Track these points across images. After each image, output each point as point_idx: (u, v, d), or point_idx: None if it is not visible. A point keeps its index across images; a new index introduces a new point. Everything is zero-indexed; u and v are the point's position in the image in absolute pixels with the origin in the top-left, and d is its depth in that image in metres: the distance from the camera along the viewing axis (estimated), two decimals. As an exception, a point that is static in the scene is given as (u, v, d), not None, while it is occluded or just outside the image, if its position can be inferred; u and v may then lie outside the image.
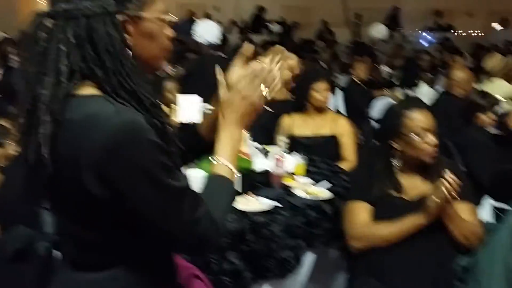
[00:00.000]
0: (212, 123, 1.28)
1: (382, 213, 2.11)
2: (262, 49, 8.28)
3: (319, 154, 3.19)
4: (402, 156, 2.15)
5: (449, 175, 1.92)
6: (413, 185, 2.15)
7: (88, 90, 1.01)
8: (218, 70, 1.27)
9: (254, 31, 13.83)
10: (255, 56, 1.26)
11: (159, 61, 1.15)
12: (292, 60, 3.60)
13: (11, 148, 2.51)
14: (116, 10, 1.02)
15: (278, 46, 1.26)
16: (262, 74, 1.18)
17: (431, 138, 2.09)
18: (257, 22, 14.59)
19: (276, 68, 1.20)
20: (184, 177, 1.08)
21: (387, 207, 2.11)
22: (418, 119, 2.10)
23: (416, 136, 2.08)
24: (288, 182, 2.63)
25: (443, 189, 1.92)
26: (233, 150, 1.19)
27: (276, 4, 14.64)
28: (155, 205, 1.00)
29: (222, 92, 1.22)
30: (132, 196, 0.99)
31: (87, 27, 1.00)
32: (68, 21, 1.00)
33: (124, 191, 0.98)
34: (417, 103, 2.19)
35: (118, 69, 1.01)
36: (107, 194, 0.98)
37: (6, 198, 2.16)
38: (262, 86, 1.18)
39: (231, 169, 1.16)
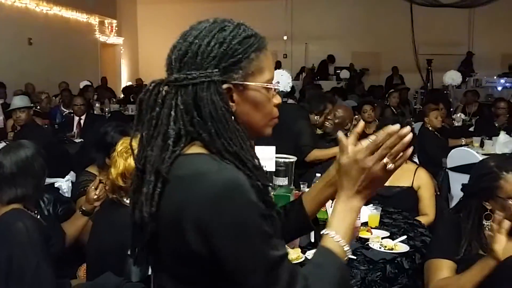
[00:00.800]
0: (320, 196, 1.32)
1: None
2: (331, 94, 8.35)
3: (395, 205, 3.12)
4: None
5: None
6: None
7: (196, 149, 1.06)
8: (341, 134, 1.19)
9: (323, 78, 13.96)
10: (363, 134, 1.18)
11: (264, 127, 1.16)
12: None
13: (94, 193, 2.62)
14: (220, 79, 1.07)
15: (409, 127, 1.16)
16: (386, 145, 1.10)
17: None
18: (326, 69, 14.72)
19: (407, 136, 1.10)
20: (283, 246, 1.02)
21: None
22: None
23: None
24: (363, 234, 2.58)
25: None
26: (348, 224, 1.12)
27: (346, 50, 14.72)
28: (249, 269, 0.97)
29: (343, 158, 1.15)
30: (226, 255, 0.97)
31: (194, 94, 1.05)
32: (178, 89, 1.07)
33: (220, 249, 0.96)
34: None
35: (221, 133, 1.04)
36: (205, 251, 0.98)
37: (95, 245, 2.25)
38: (385, 159, 1.10)
39: (343, 246, 1.09)
